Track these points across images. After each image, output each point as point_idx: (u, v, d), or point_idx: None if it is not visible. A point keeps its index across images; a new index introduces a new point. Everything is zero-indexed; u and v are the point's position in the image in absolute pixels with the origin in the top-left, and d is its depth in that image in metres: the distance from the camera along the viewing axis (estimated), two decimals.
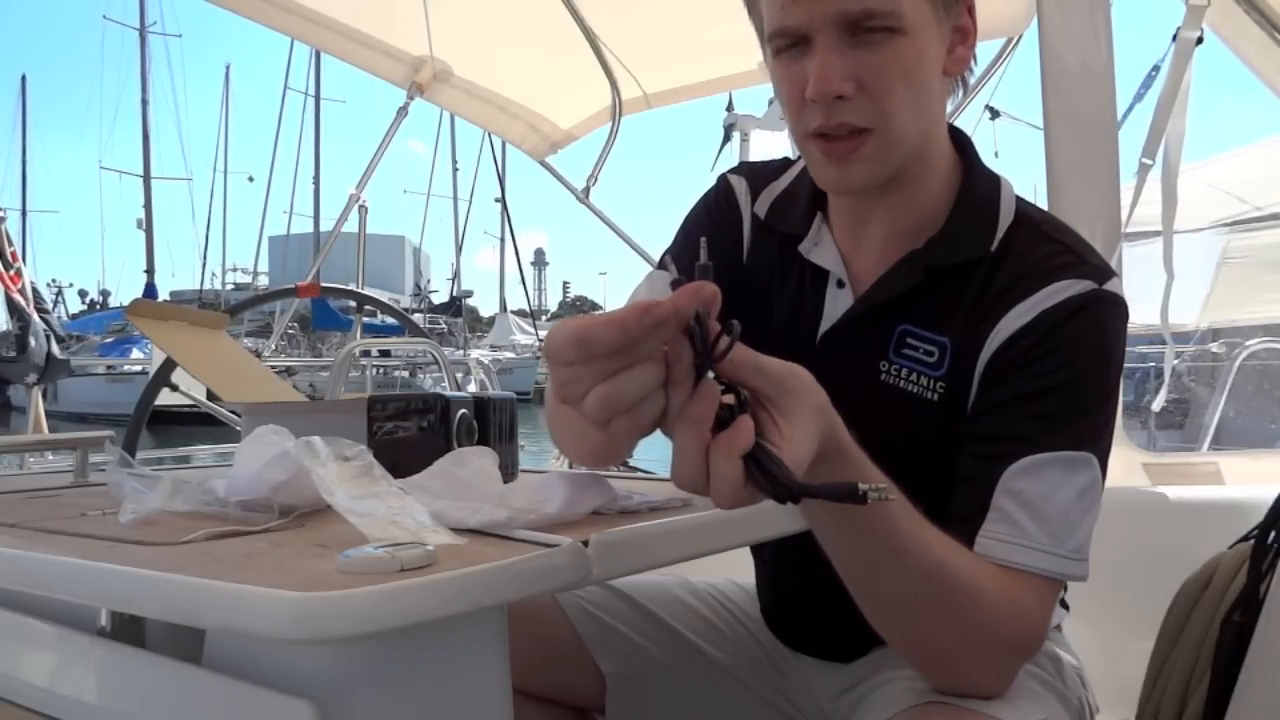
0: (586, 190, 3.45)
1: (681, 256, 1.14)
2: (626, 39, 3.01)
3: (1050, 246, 0.99)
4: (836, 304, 1.06)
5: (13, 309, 4.52)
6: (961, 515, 0.91)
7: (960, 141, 1.07)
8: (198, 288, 43.17)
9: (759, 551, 1.22)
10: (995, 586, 0.86)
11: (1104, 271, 0.96)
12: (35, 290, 4.76)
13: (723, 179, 1.18)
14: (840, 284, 1.07)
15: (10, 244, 4.63)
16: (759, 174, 1.17)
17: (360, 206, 4.54)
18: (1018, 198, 1.04)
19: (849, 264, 1.07)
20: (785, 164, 1.17)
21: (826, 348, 1.06)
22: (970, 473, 0.93)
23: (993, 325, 0.96)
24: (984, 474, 0.91)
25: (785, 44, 0.95)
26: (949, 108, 1.08)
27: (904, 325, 1.02)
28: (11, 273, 4.51)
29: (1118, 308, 0.95)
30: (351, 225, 4.82)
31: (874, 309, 1.03)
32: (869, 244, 1.06)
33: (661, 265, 1.15)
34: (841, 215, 1.08)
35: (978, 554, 0.88)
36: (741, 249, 1.14)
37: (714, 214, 1.16)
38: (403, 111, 3.32)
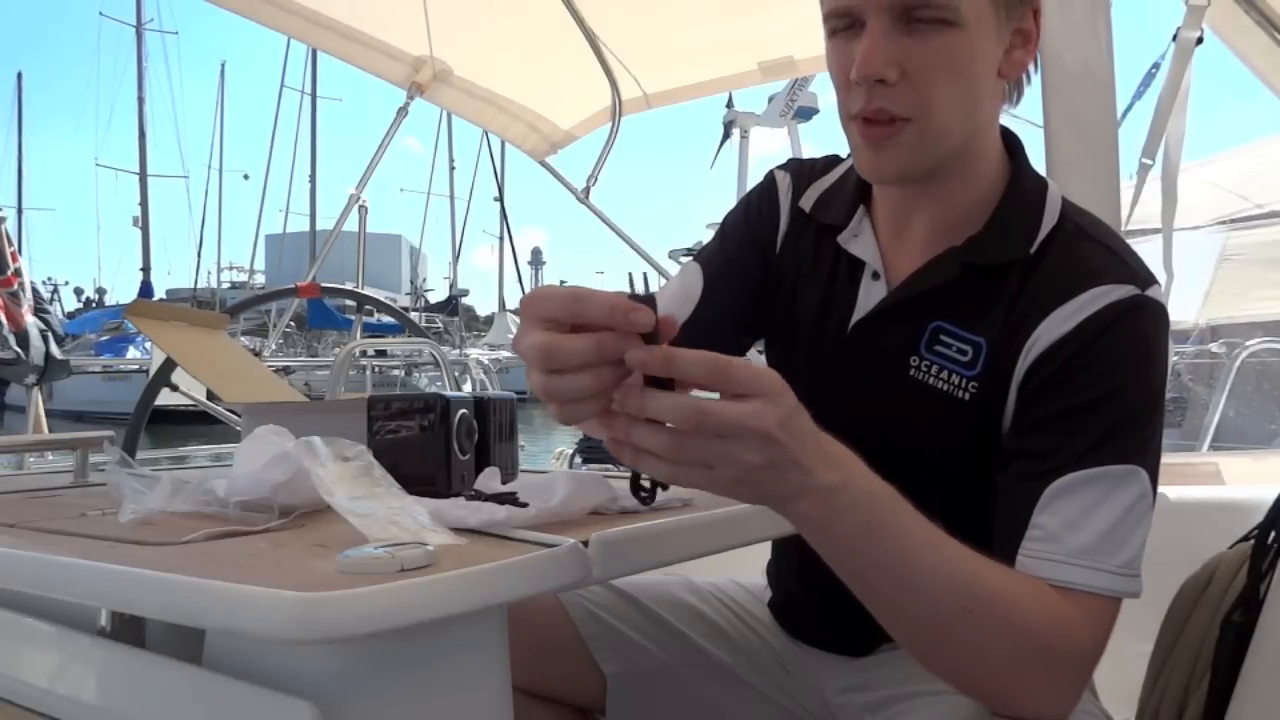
0: (586, 190, 3.45)
1: (713, 255, 1.18)
2: (626, 39, 3.01)
3: (1090, 247, 0.98)
4: (870, 295, 1.06)
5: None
6: (1004, 535, 0.90)
7: (1010, 143, 1.06)
8: (193, 286, 43.13)
9: (778, 542, 1.23)
10: (1037, 603, 0.84)
11: (1145, 277, 0.95)
12: (35, 290, 4.75)
13: (769, 175, 1.20)
14: (875, 276, 1.06)
15: (10, 244, 4.62)
16: (806, 170, 1.18)
17: (360, 206, 4.54)
18: (1066, 202, 1.03)
19: (887, 257, 1.06)
20: (834, 160, 1.18)
21: (856, 339, 1.06)
22: (1012, 492, 0.91)
23: (1032, 329, 0.94)
24: (1026, 493, 0.90)
25: (840, 25, 0.96)
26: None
27: (938, 322, 1.01)
28: (9, 273, 4.51)
29: (1159, 314, 0.93)
30: (350, 224, 4.82)
31: (907, 302, 1.03)
32: (910, 239, 1.05)
33: (698, 255, 1.20)
34: (886, 210, 1.08)
35: (1021, 574, 0.87)
36: (775, 243, 1.16)
37: (751, 211, 1.18)
38: (403, 111, 3.33)
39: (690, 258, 1.21)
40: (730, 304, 1.14)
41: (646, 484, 0.77)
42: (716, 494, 0.74)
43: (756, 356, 1.31)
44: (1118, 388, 0.90)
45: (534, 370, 0.71)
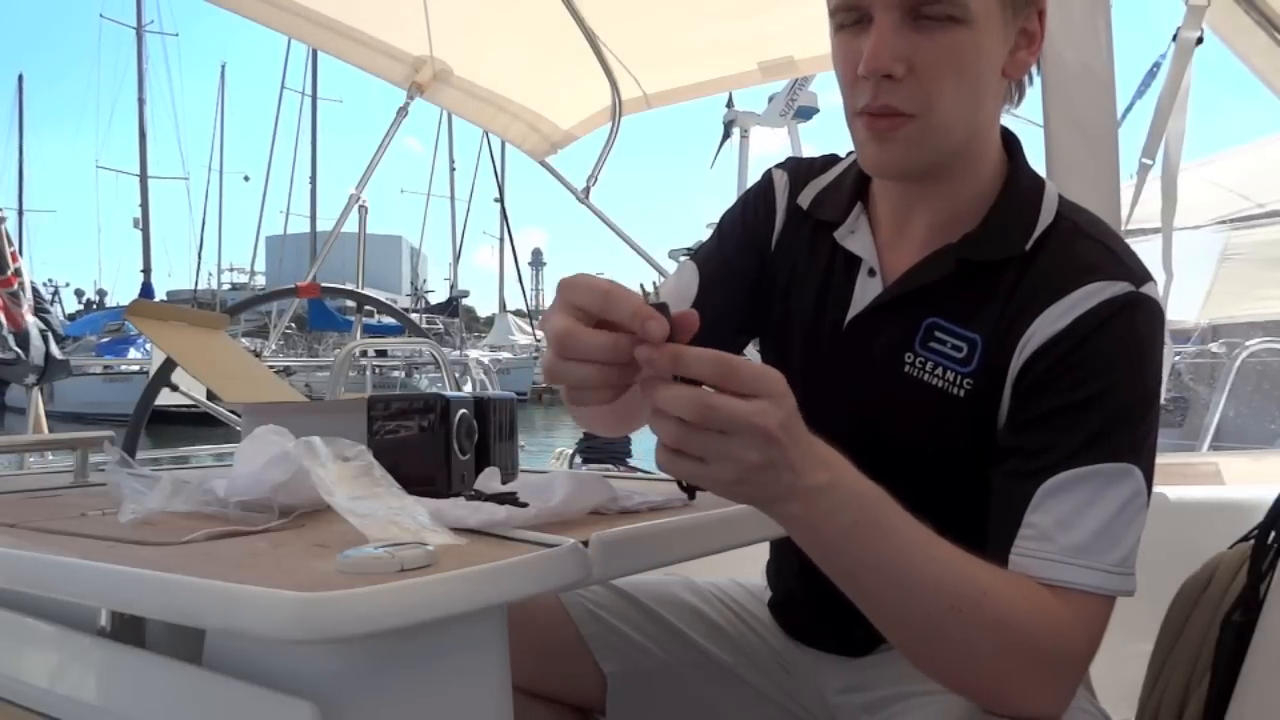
0: (586, 190, 3.45)
1: (710, 255, 1.18)
2: (626, 39, 3.01)
3: (1085, 244, 0.98)
4: (865, 292, 1.06)
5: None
6: (997, 533, 0.90)
7: (1009, 142, 1.06)
8: (194, 287, 43.15)
9: (777, 543, 1.23)
10: (1029, 603, 0.84)
11: (1140, 274, 0.95)
12: (35, 290, 4.75)
13: (766, 174, 1.20)
14: (871, 272, 1.06)
15: (10, 244, 4.62)
16: (804, 168, 1.18)
17: (360, 206, 4.54)
18: (1063, 200, 1.03)
19: (883, 254, 1.06)
20: (832, 159, 1.18)
21: (851, 335, 1.06)
22: (1006, 490, 0.91)
23: (1026, 325, 0.95)
24: (1019, 490, 0.90)
25: (848, 19, 0.96)
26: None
27: (932, 319, 1.01)
28: (9, 273, 4.50)
29: (1154, 311, 0.93)
30: (350, 225, 4.82)
31: (902, 299, 1.03)
32: (908, 237, 1.05)
33: (694, 254, 1.21)
34: (884, 206, 1.08)
35: (1012, 572, 0.87)
36: (771, 242, 1.16)
37: (748, 211, 1.19)
38: (403, 111, 3.32)
39: (689, 257, 1.21)
40: (727, 304, 1.14)
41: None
42: (714, 492, 0.75)
43: (753, 354, 1.31)
44: (1111, 385, 0.90)
45: (550, 351, 0.73)
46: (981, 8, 0.93)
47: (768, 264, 1.15)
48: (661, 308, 0.71)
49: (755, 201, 1.19)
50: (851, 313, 1.06)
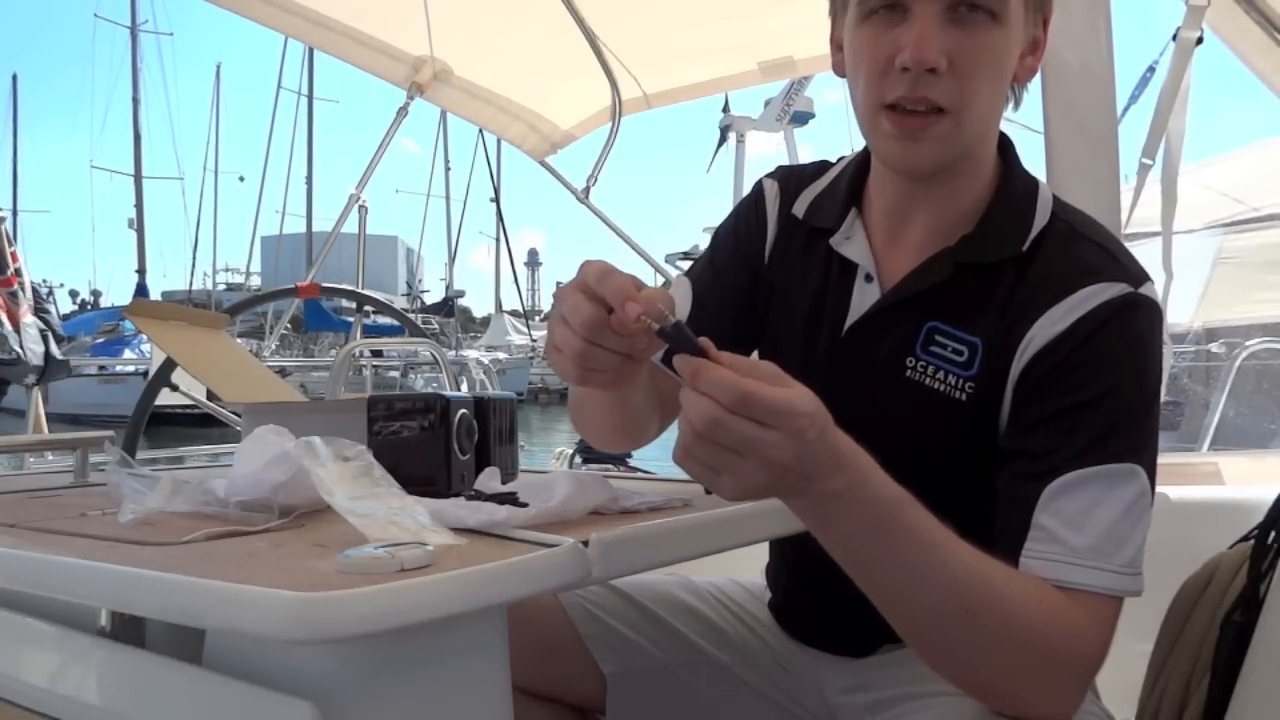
0: (586, 190, 3.45)
1: (703, 269, 1.19)
2: (626, 39, 3.01)
3: (1082, 245, 0.98)
4: (864, 298, 1.06)
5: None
6: (1005, 536, 0.90)
7: (1002, 143, 1.06)
8: (189, 288, 43.08)
9: (776, 544, 1.23)
10: (1042, 605, 0.84)
11: (1138, 274, 0.95)
12: (35, 290, 4.75)
13: (757, 184, 1.20)
14: (869, 278, 1.06)
15: (11, 244, 4.63)
16: (796, 177, 1.18)
17: (360, 206, 4.54)
18: (1058, 201, 1.03)
19: (880, 260, 1.06)
20: (823, 166, 1.18)
21: (851, 342, 1.06)
22: (1011, 492, 0.92)
23: (1026, 328, 0.95)
24: (1025, 493, 0.90)
25: (879, 6, 0.94)
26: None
27: (933, 322, 1.01)
28: (9, 273, 4.50)
29: (1153, 312, 0.94)
30: (349, 226, 4.81)
31: (901, 304, 1.03)
32: (905, 241, 1.05)
33: (690, 270, 1.22)
34: (880, 211, 1.07)
35: (1027, 575, 0.87)
36: (764, 253, 1.16)
37: (740, 224, 1.19)
38: (403, 111, 3.32)
39: (686, 261, 1.22)
40: (720, 317, 1.13)
41: None
42: (736, 485, 0.73)
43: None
44: (1113, 386, 0.90)
45: (572, 333, 0.78)
46: (1015, 9, 0.94)
47: (762, 275, 1.15)
48: (677, 328, 0.74)
49: (746, 214, 1.18)
50: (850, 319, 1.06)
